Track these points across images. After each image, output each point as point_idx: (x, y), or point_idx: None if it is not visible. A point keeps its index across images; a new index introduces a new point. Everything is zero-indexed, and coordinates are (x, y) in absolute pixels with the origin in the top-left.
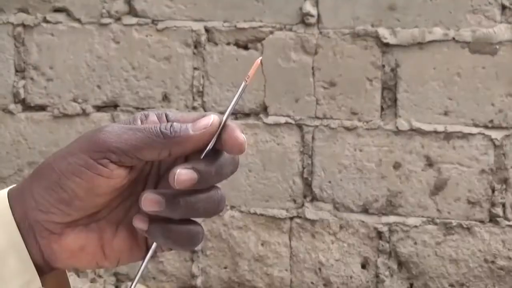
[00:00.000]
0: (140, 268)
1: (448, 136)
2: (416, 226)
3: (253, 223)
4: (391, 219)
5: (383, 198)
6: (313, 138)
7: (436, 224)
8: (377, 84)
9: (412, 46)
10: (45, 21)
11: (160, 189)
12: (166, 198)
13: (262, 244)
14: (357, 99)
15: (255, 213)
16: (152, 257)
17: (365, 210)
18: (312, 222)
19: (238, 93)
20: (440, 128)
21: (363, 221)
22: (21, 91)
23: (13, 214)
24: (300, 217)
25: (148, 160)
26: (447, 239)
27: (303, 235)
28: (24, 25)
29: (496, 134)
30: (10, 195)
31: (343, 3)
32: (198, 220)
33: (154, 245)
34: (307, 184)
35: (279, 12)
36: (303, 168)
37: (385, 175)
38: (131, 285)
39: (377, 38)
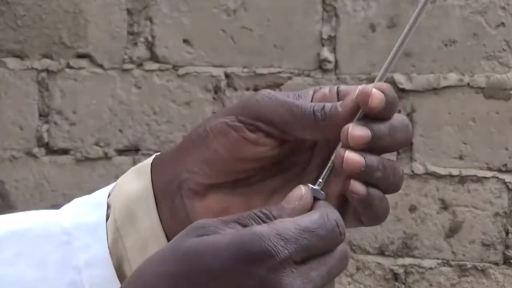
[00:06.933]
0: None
1: (462, 179)
2: (431, 268)
3: None
4: (407, 261)
5: (399, 241)
6: None
7: (451, 266)
8: None
9: (428, 91)
10: (69, 66)
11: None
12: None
13: None
14: None
15: None
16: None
17: (381, 252)
18: None
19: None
20: (455, 171)
21: (379, 263)
22: (45, 135)
23: (157, 184)
24: None
25: (300, 138)
26: (462, 280)
27: None
28: (48, 71)
29: (510, 178)
30: (158, 163)
31: (360, 50)
32: None
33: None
34: None
35: (297, 58)
36: None
37: (400, 217)
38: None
39: (393, 83)
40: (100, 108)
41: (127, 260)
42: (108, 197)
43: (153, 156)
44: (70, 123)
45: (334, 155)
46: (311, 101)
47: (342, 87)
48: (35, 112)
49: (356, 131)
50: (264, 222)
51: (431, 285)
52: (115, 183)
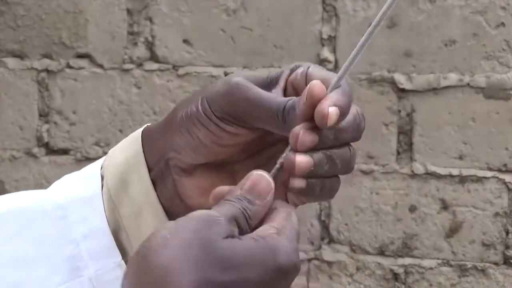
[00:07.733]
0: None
1: (462, 179)
2: (431, 268)
3: None
4: (407, 261)
5: (399, 241)
6: None
7: (451, 266)
8: (393, 128)
9: (428, 91)
10: (69, 66)
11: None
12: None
13: None
14: (373, 143)
15: None
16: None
17: (381, 252)
18: (329, 263)
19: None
20: (455, 171)
21: (379, 263)
22: (45, 135)
23: (148, 158)
24: (317, 259)
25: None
26: (462, 281)
27: (321, 277)
28: (48, 71)
29: (510, 178)
30: (148, 134)
31: None
32: None
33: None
34: (325, 226)
35: (297, 58)
36: (321, 211)
37: (401, 217)
38: (338, 78)
39: (393, 83)
40: (100, 108)
41: (123, 228)
42: (101, 169)
43: (143, 127)
44: (70, 123)
45: (282, 158)
46: (285, 82)
47: (311, 70)
48: (35, 112)
49: (305, 137)
50: (248, 219)
51: (431, 285)
52: (106, 155)
